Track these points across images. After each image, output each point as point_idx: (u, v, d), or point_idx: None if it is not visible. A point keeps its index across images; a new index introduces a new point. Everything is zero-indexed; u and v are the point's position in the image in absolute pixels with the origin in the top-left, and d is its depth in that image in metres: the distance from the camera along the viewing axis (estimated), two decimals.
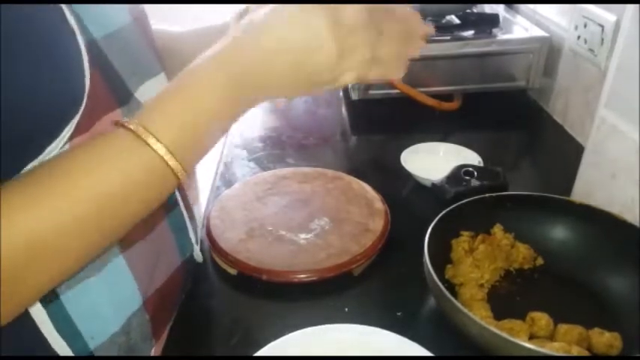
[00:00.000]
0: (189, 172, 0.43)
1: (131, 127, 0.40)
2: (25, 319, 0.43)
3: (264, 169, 0.87)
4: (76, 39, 0.42)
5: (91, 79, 0.42)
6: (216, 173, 0.88)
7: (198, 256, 0.62)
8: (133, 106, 0.49)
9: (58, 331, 0.45)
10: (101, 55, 0.46)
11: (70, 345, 0.46)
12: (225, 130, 0.46)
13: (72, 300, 0.45)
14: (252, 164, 0.90)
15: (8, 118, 0.37)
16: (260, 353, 0.49)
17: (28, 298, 0.40)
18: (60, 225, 0.38)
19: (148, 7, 0.58)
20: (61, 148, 0.41)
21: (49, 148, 0.40)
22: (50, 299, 0.44)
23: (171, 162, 0.41)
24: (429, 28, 0.51)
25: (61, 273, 0.41)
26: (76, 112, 0.41)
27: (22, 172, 0.40)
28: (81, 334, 0.47)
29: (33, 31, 0.38)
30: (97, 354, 0.48)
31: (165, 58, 0.59)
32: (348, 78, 0.47)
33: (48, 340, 0.45)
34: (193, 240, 0.60)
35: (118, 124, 0.41)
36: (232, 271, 0.65)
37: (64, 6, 0.42)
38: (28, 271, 0.37)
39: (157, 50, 0.57)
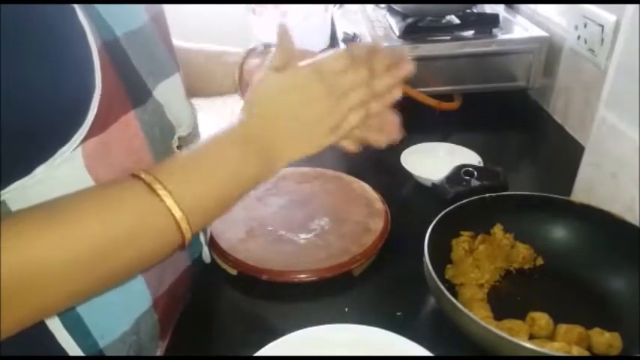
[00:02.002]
0: (194, 233, 0.44)
1: (144, 177, 0.41)
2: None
3: None
4: (87, 41, 0.41)
5: (105, 80, 0.42)
6: None
7: (206, 256, 0.62)
8: (149, 107, 0.49)
9: (66, 327, 0.45)
10: (122, 53, 0.46)
11: (79, 342, 0.46)
12: (237, 199, 0.48)
13: None
14: None
15: (15, 120, 0.37)
16: (260, 353, 0.49)
17: (8, 328, 0.38)
18: (57, 261, 0.38)
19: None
20: (73, 150, 0.41)
21: (60, 151, 0.40)
22: None
23: (179, 218, 0.42)
24: (410, 65, 0.52)
25: (47, 308, 0.40)
26: (85, 115, 0.41)
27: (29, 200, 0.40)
28: (90, 333, 0.47)
29: (39, 33, 0.38)
30: (106, 353, 0.48)
31: None
32: (353, 119, 0.50)
33: (55, 335, 0.45)
34: (203, 241, 0.60)
35: (135, 176, 0.42)
36: (232, 271, 0.65)
37: (77, 7, 0.41)
38: (14, 301, 0.37)
39: (173, 50, 0.57)
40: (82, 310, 0.46)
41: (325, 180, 0.79)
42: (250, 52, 0.68)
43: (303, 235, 0.68)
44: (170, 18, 0.58)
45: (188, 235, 0.43)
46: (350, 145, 0.56)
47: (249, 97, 0.50)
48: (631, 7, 0.62)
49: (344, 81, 0.49)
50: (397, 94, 0.52)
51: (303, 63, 0.49)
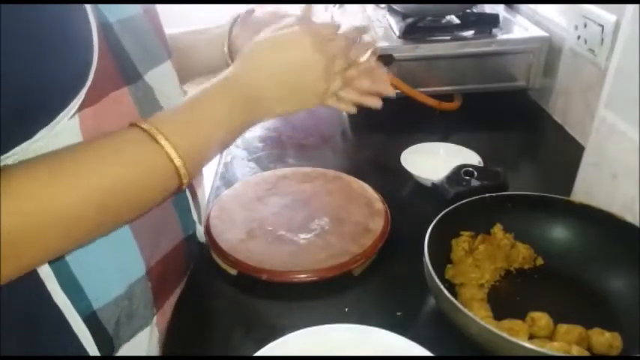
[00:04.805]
0: (191, 178, 0.48)
1: (145, 127, 0.45)
2: (30, 271, 0.44)
3: (264, 169, 0.87)
4: (88, 17, 0.43)
5: (100, 55, 0.44)
6: (216, 173, 0.88)
7: (200, 235, 0.64)
8: (141, 86, 0.52)
9: (62, 287, 0.47)
10: (114, 37, 0.49)
11: (74, 303, 0.48)
12: (227, 145, 0.54)
13: (76, 260, 0.47)
14: (252, 164, 0.90)
15: (19, 87, 0.39)
16: (260, 353, 0.49)
17: (10, 272, 0.41)
18: (65, 207, 0.40)
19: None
20: (70, 118, 0.43)
21: (57, 117, 0.42)
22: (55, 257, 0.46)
23: (179, 164, 0.45)
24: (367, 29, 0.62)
25: (53, 252, 0.43)
26: (83, 85, 0.43)
27: (31, 150, 0.42)
28: (85, 294, 0.49)
29: (45, 6, 0.40)
30: (100, 314, 0.50)
31: None
32: (336, 84, 0.58)
33: (52, 295, 0.47)
34: (196, 219, 0.62)
35: (133, 124, 0.45)
36: (232, 271, 0.65)
37: None
38: (20, 247, 0.39)
39: (165, 39, 0.59)
40: (78, 272, 0.47)
41: (325, 180, 0.79)
42: (236, 21, 0.70)
43: (303, 235, 0.68)
44: (170, 18, 0.59)
45: (185, 180, 0.47)
46: (347, 108, 0.62)
47: (242, 52, 0.55)
48: (631, 7, 0.62)
49: (334, 47, 0.55)
50: (369, 60, 0.61)
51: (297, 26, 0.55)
